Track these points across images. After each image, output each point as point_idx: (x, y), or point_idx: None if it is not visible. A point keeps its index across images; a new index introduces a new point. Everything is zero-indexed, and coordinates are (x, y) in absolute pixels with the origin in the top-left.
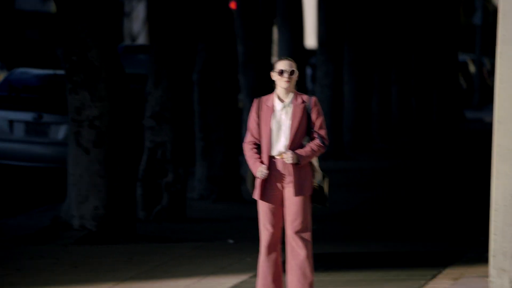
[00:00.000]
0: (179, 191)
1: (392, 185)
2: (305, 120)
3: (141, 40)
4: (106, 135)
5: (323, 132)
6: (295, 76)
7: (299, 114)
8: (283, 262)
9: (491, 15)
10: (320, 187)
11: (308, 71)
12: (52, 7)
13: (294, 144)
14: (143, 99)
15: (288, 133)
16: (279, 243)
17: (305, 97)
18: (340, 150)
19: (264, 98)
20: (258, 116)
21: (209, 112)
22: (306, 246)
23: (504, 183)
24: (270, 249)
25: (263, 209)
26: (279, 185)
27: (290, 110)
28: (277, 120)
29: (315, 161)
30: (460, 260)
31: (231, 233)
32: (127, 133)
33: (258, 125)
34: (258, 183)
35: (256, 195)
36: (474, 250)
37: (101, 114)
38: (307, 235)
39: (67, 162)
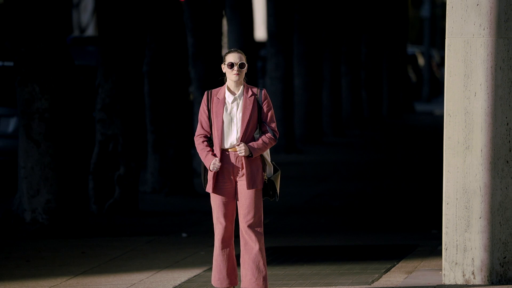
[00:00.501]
0: (131, 184)
1: (344, 178)
2: (256, 113)
3: (90, 31)
4: (57, 127)
5: (273, 125)
6: (245, 69)
7: (250, 106)
8: (237, 256)
9: (439, 7)
10: (270, 181)
11: (258, 63)
12: None
13: (246, 137)
14: (93, 92)
15: (240, 125)
16: (232, 237)
17: (255, 89)
18: (292, 143)
19: (215, 90)
20: (209, 109)
21: (160, 105)
22: (259, 240)
23: (455, 177)
24: (224, 243)
25: (216, 202)
26: (231, 178)
27: (241, 102)
28: (229, 112)
29: (266, 155)
30: (413, 253)
31: (184, 227)
32: (78, 125)
33: (209, 118)
34: (210, 176)
35: (209, 188)
36: (427, 243)
37: (51, 107)
38: (260, 229)
39: (18, 155)
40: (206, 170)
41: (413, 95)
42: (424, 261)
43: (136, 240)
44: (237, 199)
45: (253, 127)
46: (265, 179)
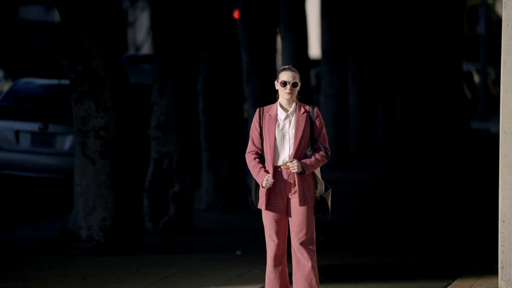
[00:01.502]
0: (186, 201)
1: (399, 196)
2: (308, 130)
3: (145, 49)
4: (112, 145)
5: (325, 143)
6: (298, 88)
7: (302, 123)
8: (290, 274)
9: (494, 24)
10: (322, 198)
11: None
12: (56, 17)
13: (298, 154)
14: (149, 109)
15: (293, 142)
16: (285, 254)
17: (307, 107)
18: (346, 160)
19: (266, 107)
20: (260, 126)
21: (215, 122)
22: (311, 257)
23: (511, 194)
24: (277, 260)
25: (268, 219)
26: (283, 195)
27: (293, 119)
28: (281, 129)
29: (317, 172)
30: (469, 272)
31: (238, 244)
32: (133, 143)
33: (260, 134)
34: (262, 192)
35: (261, 204)
36: (482, 262)
37: (107, 124)
38: (313, 246)
39: (74, 173)
40: (257, 186)
41: (468, 113)
42: (480, 280)
43: (190, 258)
44: (289, 216)
45: (306, 144)
46: (317, 196)
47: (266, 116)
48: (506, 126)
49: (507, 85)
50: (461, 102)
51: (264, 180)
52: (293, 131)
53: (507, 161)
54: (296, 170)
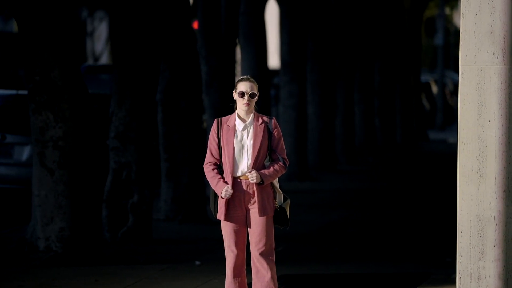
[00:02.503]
0: (144, 212)
1: (358, 207)
2: (266, 140)
3: (104, 59)
4: (70, 155)
5: (283, 153)
6: (255, 98)
7: (260, 133)
8: (249, 284)
9: (452, 35)
10: (282, 208)
11: (272, 92)
12: (14, 27)
13: (257, 164)
14: (107, 120)
15: (251, 153)
16: (244, 265)
17: (265, 117)
18: (305, 171)
19: (224, 118)
20: (219, 137)
21: (174, 133)
22: (271, 268)
23: (469, 205)
24: (236, 271)
25: (227, 230)
26: (242, 205)
27: (251, 130)
28: (239, 140)
29: (275, 182)
30: (427, 281)
31: (197, 255)
32: (91, 153)
33: (218, 145)
34: (222, 203)
35: (220, 215)
36: (441, 272)
37: (65, 135)
38: (272, 257)
39: (32, 183)
40: (216, 197)
41: (426, 123)
42: None
43: (149, 268)
44: (248, 227)
45: (264, 155)
46: (277, 206)
47: (224, 126)
48: (464, 136)
49: (465, 96)
50: (420, 113)
51: (223, 190)
52: (251, 141)
53: (465, 171)
54: (255, 181)
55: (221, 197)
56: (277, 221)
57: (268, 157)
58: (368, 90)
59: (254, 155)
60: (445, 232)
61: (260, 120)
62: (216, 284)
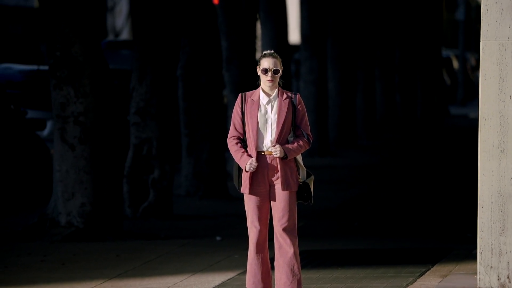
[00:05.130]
0: (165, 187)
1: (379, 182)
2: (290, 115)
3: (125, 35)
4: (91, 131)
5: (307, 129)
6: (279, 74)
7: (285, 108)
8: (271, 259)
9: (473, 10)
10: (305, 184)
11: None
12: (35, 2)
13: (281, 139)
14: (128, 95)
15: (275, 127)
16: (267, 240)
17: (289, 93)
18: (326, 146)
19: (249, 93)
20: (242, 111)
21: (194, 108)
22: (293, 243)
23: (490, 180)
24: (259, 246)
25: (251, 205)
26: (266, 180)
27: (276, 104)
28: (263, 113)
29: (299, 158)
30: (448, 257)
31: (218, 230)
32: (112, 129)
33: (242, 120)
34: (246, 177)
35: (244, 188)
36: (461, 247)
37: (86, 110)
38: (295, 232)
39: (53, 159)
40: (240, 171)
41: (447, 99)
42: (459, 265)
43: (170, 244)
44: (272, 201)
45: (288, 130)
46: (300, 182)
47: (249, 101)
48: (485, 111)
49: (486, 71)
50: (440, 88)
51: (248, 163)
52: (276, 116)
53: (486, 147)
54: (278, 155)
55: (245, 171)
56: (301, 197)
57: (292, 133)
58: (389, 65)
59: (278, 129)
60: (466, 208)
61: (285, 95)
62: (237, 259)
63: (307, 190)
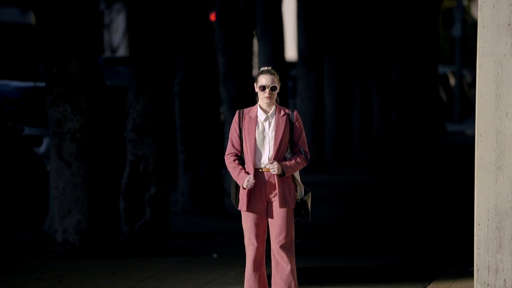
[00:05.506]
0: (162, 204)
1: (375, 199)
2: (288, 132)
3: (121, 51)
4: (88, 148)
5: (305, 146)
6: (277, 91)
7: (282, 125)
8: (269, 277)
9: (470, 27)
10: (303, 201)
11: (289, 84)
12: (32, 19)
13: (278, 156)
14: (125, 112)
15: (273, 144)
16: (264, 258)
17: (287, 110)
18: (322, 163)
19: (246, 109)
20: (240, 128)
21: (191, 125)
22: (291, 260)
23: (487, 197)
24: (256, 264)
25: (248, 222)
26: (263, 197)
27: (273, 121)
28: (261, 130)
29: (297, 175)
30: (444, 275)
31: (214, 247)
32: (109, 146)
33: (240, 136)
34: (243, 194)
35: (242, 206)
36: (458, 265)
37: (83, 127)
38: (292, 249)
39: (49, 176)
40: (237, 188)
41: (444, 115)
42: (456, 283)
43: (166, 261)
44: (269, 218)
45: (285, 147)
46: (298, 199)
47: (246, 117)
48: (482, 128)
49: (482, 88)
50: (437, 105)
51: (245, 181)
52: (273, 133)
53: (482, 164)
54: (276, 172)
55: (243, 188)
56: (298, 214)
57: (289, 150)
58: (386, 82)
59: (276, 146)
60: (463, 225)
61: (282, 112)
62: (234, 277)
63: (304, 207)
